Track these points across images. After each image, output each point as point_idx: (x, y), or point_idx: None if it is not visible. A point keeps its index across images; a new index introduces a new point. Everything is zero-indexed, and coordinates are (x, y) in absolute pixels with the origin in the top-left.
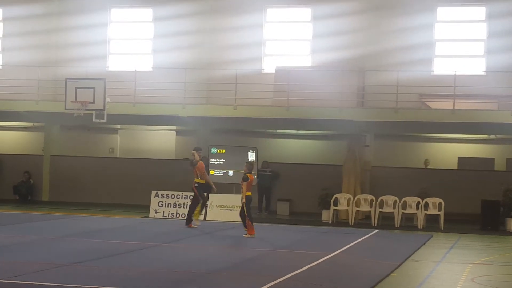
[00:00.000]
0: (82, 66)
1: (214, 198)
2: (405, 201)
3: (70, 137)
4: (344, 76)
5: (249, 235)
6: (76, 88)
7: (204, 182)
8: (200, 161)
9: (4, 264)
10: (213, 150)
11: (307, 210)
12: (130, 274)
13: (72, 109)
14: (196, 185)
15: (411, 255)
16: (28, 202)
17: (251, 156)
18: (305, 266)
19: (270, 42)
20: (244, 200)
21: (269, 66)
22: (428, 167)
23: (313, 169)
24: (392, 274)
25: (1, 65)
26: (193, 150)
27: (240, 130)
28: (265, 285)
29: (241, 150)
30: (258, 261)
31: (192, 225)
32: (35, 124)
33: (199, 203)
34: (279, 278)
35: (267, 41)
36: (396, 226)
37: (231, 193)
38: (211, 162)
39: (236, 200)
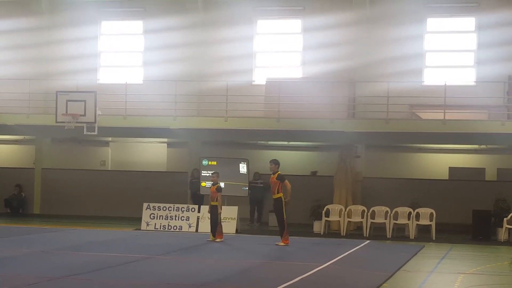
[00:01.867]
0: (72, 79)
1: (206, 210)
2: (396, 212)
3: (61, 150)
4: (335, 87)
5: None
6: (67, 101)
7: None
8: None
9: None
10: (205, 162)
11: (299, 221)
12: (123, 287)
13: (63, 122)
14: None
15: (403, 265)
16: (20, 215)
17: (243, 168)
18: (297, 277)
19: (261, 54)
20: (221, 210)
21: (260, 78)
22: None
23: (304, 180)
24: (384, 284)
25: None
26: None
27: (232, 142)
28: None
29: (233, 161)
30: (250, 273)
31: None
32: (26, 137)
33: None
34: None
35: (257, 53)
36: (388, 237)
37: (223, 205)
38: (202, 174)
39: (228, 211)
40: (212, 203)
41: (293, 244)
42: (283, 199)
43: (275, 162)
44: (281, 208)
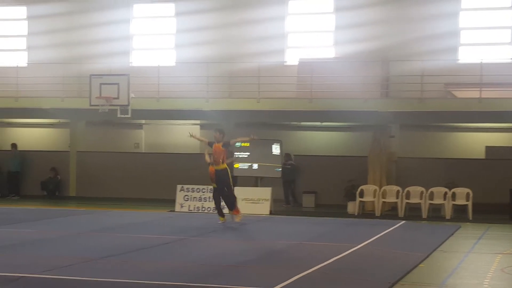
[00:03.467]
0: (105, 62)
1: (239, 192)
2: (432, 192)
3: (96, 133)
4: (368, 66)
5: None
6: (101, 84)
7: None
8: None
9: (35, 259)
10: (238, 144)
11: (333, 202)
12: (158, 268)
13: (97, 105)
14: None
15: (439, 246)
16: (56, 198)
17: (276, 149)
18: (332, 258)
19: (293, 34)
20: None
21: (291, 58)
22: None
23: (338, 161)
24: (420, 265)
25: (27, 63)
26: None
27: (264, 123)
28: (292, 277)
29: (265, 143)
30: (285, 253)
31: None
32: (61, 120)
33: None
34: (306, 270)
35: (289, 33)
36: (423, 217)
37: (256, 186)
38: (235, 156)
39: (262, 192)
40: (217, 167)
41: (327, 225)
42: (228, 169)
43: (220, 131)
44: (228, 178)
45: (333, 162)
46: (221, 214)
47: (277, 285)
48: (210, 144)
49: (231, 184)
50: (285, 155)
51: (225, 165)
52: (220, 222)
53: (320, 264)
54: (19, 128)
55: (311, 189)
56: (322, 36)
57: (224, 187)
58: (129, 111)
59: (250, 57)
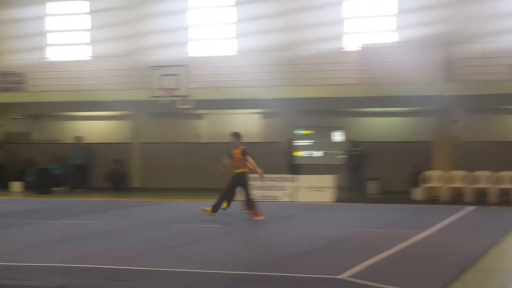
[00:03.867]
0: (165, 53)
1: (302, 180)
2: (500, 176)
3: (157, 124)
4: (431, 50)
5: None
6: (161, 75)
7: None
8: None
9: (101, 250)
10: (299, 132)
11: (397, 188)
12: (222, 257)
13: (158, 97)
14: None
15: (510, 231)
16: (120, 189)
17: (338, 136)
18: (399, 245)
19: (352, 20)
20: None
21: (352, 44)
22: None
23: (401, 147)
24: (490, 251)
25: (90, 57)
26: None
27: (325, 110)
28: (359, 264)
29: (327, 130)
30: (351, 241)
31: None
32: (124, 112)
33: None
34: (372, 257)
35: (348, 18)
36: (491, 202)
37: (319, 174)
38: (297, 144)
39: (324, 180)
40: (236, 170)
41: (393, 212)
42: (247, 173)
43: (235, 135)
44: (246, 182)
45: (397, 148)
46: (215, 209)
47: (343, 272)
48: (229, 155)
49: (249, 188)
50: (351, 142)
51: (245, 169)
52: (208, 213)
53: (387, 251)
54: (82, 121)
55: (374, 175)
56: (383, 21)
57: (239, 189)
58: (189, 102)
59: (310, 44)
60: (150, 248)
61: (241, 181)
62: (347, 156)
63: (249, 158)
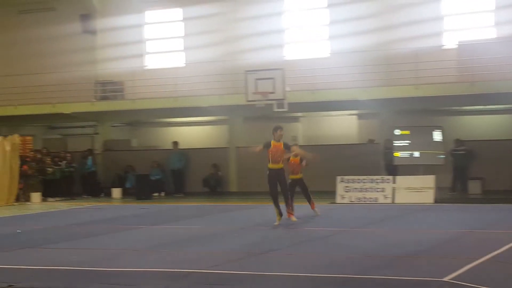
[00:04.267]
0: (259, 57)
1: (401, 181)
2: None
3: (253, 128)
4: None
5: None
6: (256, 79)
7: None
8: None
9: (201, 255)
10: (397, 132)
11: (500, 188)
12: (323, 260)
13: (254, 101)
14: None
15: None
16: (218, 194)
17: (437, 136)
18: (504, 246)
19: (450, 17)
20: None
21: (449, 41)
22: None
23: (504, 145)
24: None
25: (184, 63)
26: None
27: (423, 109)
28: (464, 267)
29: (426, 130)
30: (454, 243)
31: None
32: (219, 117)
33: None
34: (477, 259)
35: (446, 16)
36: None
37: (418, 174)
38: (395, 144)
39: (424, 181)
40: (277, 166)
41: (497, 212)
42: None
43: (281, 128)
44: (285, 177)
45: (501, 147)
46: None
47: (448, 275)
48: (266, 145)
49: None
50: (456, 141)
51: (282, 165)
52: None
53: (491, 253)
54: (179, 127)
55: (477, 175)
56: (481, 17)
57: (280, 186)
58: (285, 105)
59: (405, 43)
60: (252, 251)
61: (282, 177)
62: (450, 155)
63: (294, 148)
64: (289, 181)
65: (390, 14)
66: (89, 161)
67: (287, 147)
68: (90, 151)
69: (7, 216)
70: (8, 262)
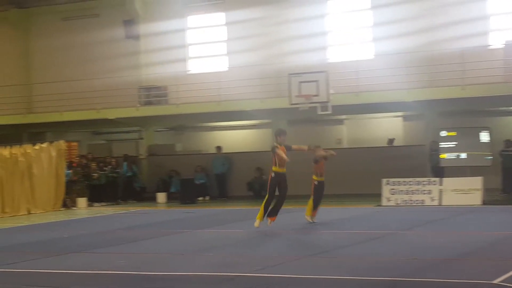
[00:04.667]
0: (302, 60)
1: (448, 182)
2: None
3: (297, 131)
4: None
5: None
6: (300, 82)
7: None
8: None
9: (247, 258)
10: (444, 133)
11: None
12: (369, 263)
13: (297, 104)
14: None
15: None
16: (262, 198)
17: (484, 137)
18: None
19: (496, 16)
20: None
21: (496, 41)
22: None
23: None
24: None
25: (227, 67)
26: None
27: (469, 110)
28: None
29: (472, 131)
30: (501, 245)
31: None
32: (263, 121)
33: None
34: None
35: (493, 15)
36: None
37: (465, 176)
38: (441, 145)
39: (471, 182)
40: (283, 170)
41: None
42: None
43: (285, 132)
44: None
45: None
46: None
47: (497, 278)
48: (287, 148)
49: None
50: (506, 142)
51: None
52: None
53: None
54: (222, 131)
55: None
56: None
57: (281, 190)
58: (330, 108)
59: (450, 43)
60: (294, 255)
61: (286, 181)
62: (500, 156)
63: (318, 150)
64: (316, 183)
65: (434, 14)
66: (125, 166)
67: (289, 149)
68: (126, 157)
69: (54, 221)
70: (56, 267)
